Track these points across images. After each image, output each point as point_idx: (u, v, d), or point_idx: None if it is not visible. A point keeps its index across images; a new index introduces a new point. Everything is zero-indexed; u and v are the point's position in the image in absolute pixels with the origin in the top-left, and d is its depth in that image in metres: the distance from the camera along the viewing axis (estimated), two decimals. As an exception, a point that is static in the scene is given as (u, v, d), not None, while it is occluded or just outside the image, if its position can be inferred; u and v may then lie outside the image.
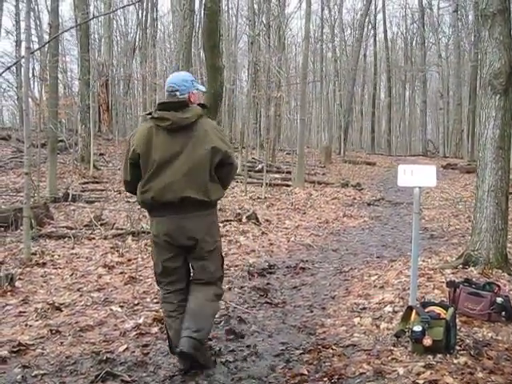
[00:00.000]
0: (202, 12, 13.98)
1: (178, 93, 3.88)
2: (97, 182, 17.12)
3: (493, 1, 6.40)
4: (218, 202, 4.07)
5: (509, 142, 6.51)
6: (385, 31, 44.62)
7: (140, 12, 34.09)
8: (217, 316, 5.21)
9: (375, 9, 43.39)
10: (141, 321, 5.00)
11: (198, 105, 3.98)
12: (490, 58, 6.44)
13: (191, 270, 4.08)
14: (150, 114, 3.91)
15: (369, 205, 15.00)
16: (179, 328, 3.84)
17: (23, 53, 8.33)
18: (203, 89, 4.43)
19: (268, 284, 6.60)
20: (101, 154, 22.20)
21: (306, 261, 7.96)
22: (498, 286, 5.09)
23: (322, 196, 16.45)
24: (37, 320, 5.07)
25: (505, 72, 6.37)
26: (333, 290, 6.33)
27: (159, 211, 3.85)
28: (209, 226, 3.94)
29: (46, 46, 14.29)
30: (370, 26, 43.13)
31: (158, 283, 4.10)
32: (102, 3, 29.12)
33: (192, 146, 3.77)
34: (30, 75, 17.96)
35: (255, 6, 27.85)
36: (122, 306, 5.53)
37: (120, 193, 13.78)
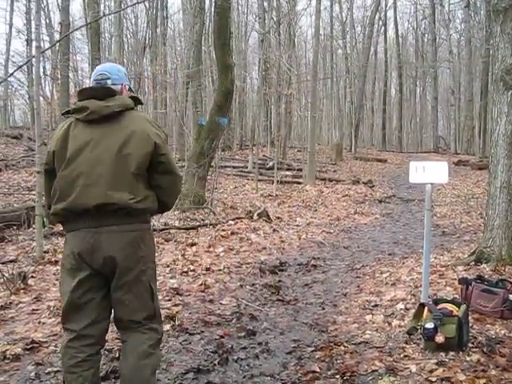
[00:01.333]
0: (213, 10, 13.98)
1: (109, 81, 3.17)
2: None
3: (505, -4, 6.36)
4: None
5: (521, 138, 6.47)
6: (396, 27, 44.47)
7: (150, 10, 34.09)
8: (228, 313, 5.25)
9: (386, 5, 43.24)
10: (152, 318, 5.01)
11: (130, 97, 3.22)
12: (502, 54, 6.40)
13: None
14: (68, 111, 3.15)
15: (380, 202, 14.99)
16: None
17: (34, 52, 8.36)
18: (133, 89, 3.61)
19: (279, 281, 6.60)
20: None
21: (318, 258, 7.96)
22: (511, 283, 5.06)
23: (333, 193, 16.43)
24: (50, 317, 5.10)
25: (517, 68, 6.33)
26: (344, 287, 6.32)
27: (73, 223, 3.00)
28: (134, 245, 3.00)
29: (57, 44, 14.34)
30: (380, 23, 42.96)
31: (63, 322, 3.11)
32: (113, 2, 29.23)
33: (114, 139, 2.98)
34: (41, 74, 18.03)
35: (265, 4, 27.82)
36: (133, 304, 5.54)
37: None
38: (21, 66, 12.29)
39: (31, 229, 8.96)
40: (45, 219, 8.65)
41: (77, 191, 2.92)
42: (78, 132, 3.02)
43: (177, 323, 4.89)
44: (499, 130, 6.42)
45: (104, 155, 2.95)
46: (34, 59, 8.48)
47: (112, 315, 3.12)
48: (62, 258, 3.12)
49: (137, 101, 3.25)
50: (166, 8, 35.60)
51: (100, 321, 3.04)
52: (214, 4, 12.14)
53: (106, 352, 4.22)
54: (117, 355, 4.12)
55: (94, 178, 2.92)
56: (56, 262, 7.27)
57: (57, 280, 6.46)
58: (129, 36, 38.82)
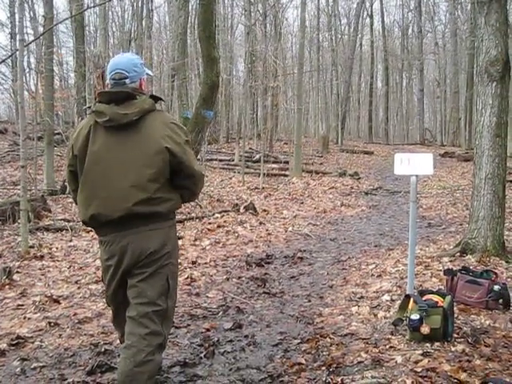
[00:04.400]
0: (197, 2, 13.90)
1: (127, 80, 3.14)
2: (94, 174, 17.08)
3: (489, -12, 6.38)
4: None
5: (505, 130, 6.51)
6: (382, 20, 44.49)
7: (135, 3, 33.90)
8: (214, 306, 5.26)
9: (371, -3, 43.23)
10: (139, 312, 4.99)
11: (151, 97, 3.22)
12: (487, 46, 6.43)
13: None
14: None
15: (366, 194, 15.01)
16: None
17: (18, 45, 8.28)
18: (151, 73, 3.85)
19: (266, 274, 6.60)
20: (98, 146, 22.09)
21: (304, 250, 7.97)
22: (496, 273, 5.10)
23: (319, 185, 16.45)
24: (35, 313, 5.07)
25: (501, 59, 6.37)
26: (330, 279, 6.33)
27: (102, 229, 3.14)
28: (161, 241, 3.12)
29: (41, 38, 14.19)
30: (365, 15, 43.00)
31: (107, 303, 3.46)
32: (97, -6, 29.00)
33: (131, 147, 3.04)
34: (26, 68, 17.88)
35: (251, -4, 27.73)
36: (120, 298, 5.52)
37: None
38: (4, 60, 12.17)
39: (16, 224, 8.90)
40: (30, 214, 8.60)
41: (99, 202, 3.04)
42: (98, 138, 3.07)
43: (163, 317, 4.88)
44: (484, 121, 6.46)
45: (123, 165, 3.03)
46: (17, 53, 8.40)
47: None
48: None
49: (157, 99, 3.27)
50: (152, 0, 35.38)
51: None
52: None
53: (92, 346, 4.22)
54: (102, 350, 4.11)
55: (115, 188, 3.02)
56: (41, 257, 7.26)
57: (42, 275, 6.45)
58: (114, 29, 38.57)
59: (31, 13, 26.15)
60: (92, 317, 4.98)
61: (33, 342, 4.34)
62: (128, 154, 3.03)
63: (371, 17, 43.94)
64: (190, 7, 22.19)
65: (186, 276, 6.34)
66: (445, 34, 44.23)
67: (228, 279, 6.33)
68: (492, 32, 6.38)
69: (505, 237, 6.72)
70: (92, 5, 18.97)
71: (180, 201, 3.25)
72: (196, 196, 3.51)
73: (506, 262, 6.24)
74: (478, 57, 6.69)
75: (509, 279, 5.56)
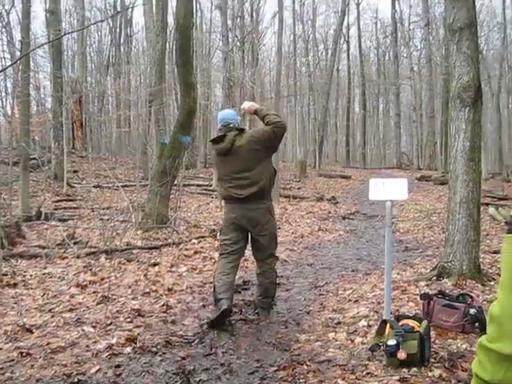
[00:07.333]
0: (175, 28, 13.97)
1: (231, 125, 5.66)
2: (70, 200, 16.99)
3: (459, 16, 6.49)
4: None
5: (479, 154, 6.58)
6: (359, 45, 45.14)
7: (114, 29, 33.99)
8: (190, 334, 5.20)
9: (348, 23, 43.90)
10: (113, 341, 4.90)
11: None
12: (459, 72, 6.52)
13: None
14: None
15: (344, 218, 15.02)
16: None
17: (-7, 71, 8.24)
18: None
19: (242, 300, 6.54)
20: (75, 172, 22.02)
21: (281, 276, 7.91)
22: (471, 296, 5.11)
23: (297, 210, 16.45)
24: (6, 343, 4.95)
25: (473, 85, 6.45)
26: (308, 305, 6.30)
27: None
28: None
29: (18, 62, 14.15)
30: (342, 41, 43.59)
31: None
32: (75, 20, 29.04)
33: None
34: (2, 92, 17.78)
35: (229, 22, 27.97)
36: (94, 327, 5.42)
37: (93, 210, 13.61)
38: (-21, 85, 12.08)
39: (-10, 251, 8.75)
40: (4, 240, 8.48)
41: None
42: None
43: (138, 345, 4.80)
44: (457, 146, 6.52)
45: None
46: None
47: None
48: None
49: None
50: (130, 26, 35.57)
51: None
52: (175, 22, 12.13)
53: (65, 377, 4.14)
54: (76, 380, 4.02)
55: None
56: (15, 285, 7.12)
57: (15, 303, 6.31)
58: (92, 54, 38.62)
59: (8, 37, 26.10)
60: (65, 346, 4.87)
61: (3, 374, 4.23)
62: None
63: (348, 42, 44.58)
64: (168, 33, 22.29)
65: (162, 303, 6.26)
66: (420, 60, 44.96)
67: (204, 306, 6.26)
68: (464, 59, 6.48)
69: (480, 259, 6.76)
70: (70, 30, 18.95)
71: None
72: None
73: (482, 284, 6.27)
74: (451, 83, 6.78)
75: (485, 302, 5.57)
